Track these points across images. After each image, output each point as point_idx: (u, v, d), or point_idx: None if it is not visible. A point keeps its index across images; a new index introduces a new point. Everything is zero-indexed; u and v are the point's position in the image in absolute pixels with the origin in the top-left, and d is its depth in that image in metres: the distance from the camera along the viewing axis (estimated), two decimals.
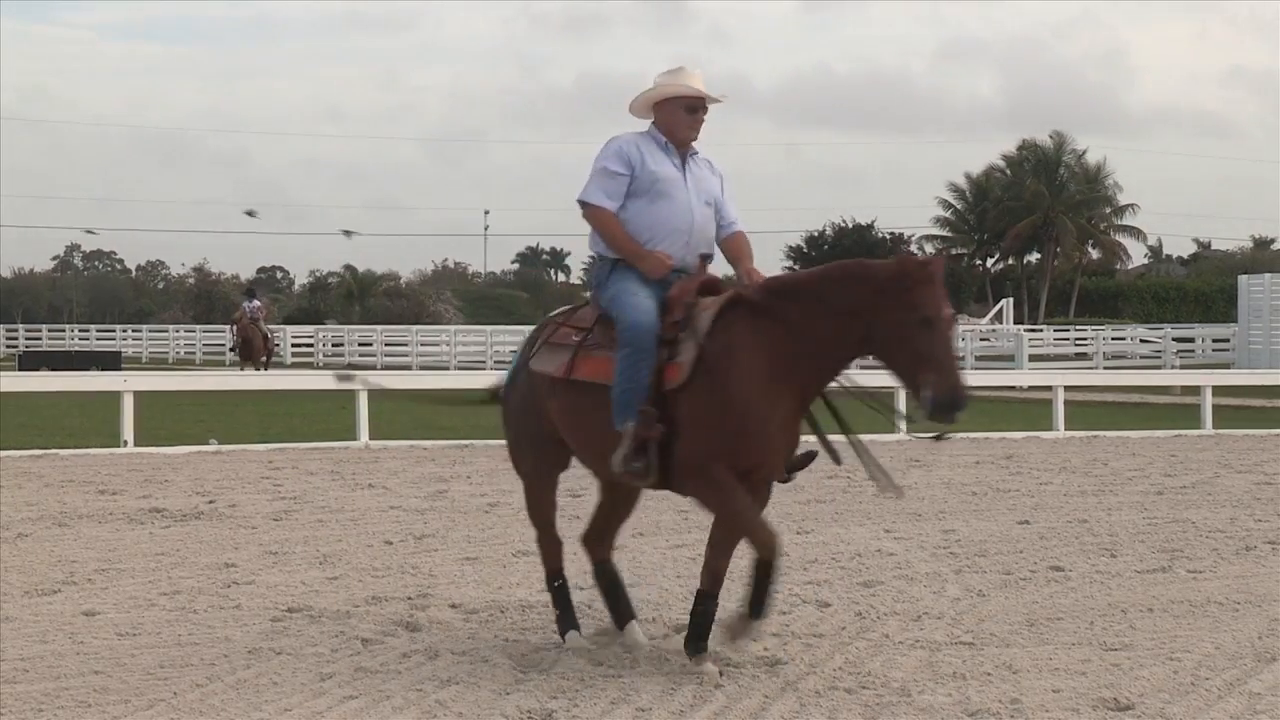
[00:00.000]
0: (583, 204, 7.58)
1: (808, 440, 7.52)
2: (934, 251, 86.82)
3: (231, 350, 42.33)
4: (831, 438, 7.54)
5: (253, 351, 37.73)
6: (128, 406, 19.33)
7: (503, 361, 50.99)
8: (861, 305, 7.03)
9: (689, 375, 7.18)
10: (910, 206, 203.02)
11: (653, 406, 7.19)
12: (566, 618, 7.91)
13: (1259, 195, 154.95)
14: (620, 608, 7.93)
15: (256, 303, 39.25)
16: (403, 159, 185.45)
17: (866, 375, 7.90)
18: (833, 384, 7.37)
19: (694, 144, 7.69)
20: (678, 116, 7.62)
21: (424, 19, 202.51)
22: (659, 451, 7.22)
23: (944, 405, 6.82)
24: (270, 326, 44.23)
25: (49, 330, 72.27)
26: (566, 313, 7.93)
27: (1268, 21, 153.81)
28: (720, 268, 7.82)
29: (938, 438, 7.21)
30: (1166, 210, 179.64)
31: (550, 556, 8.01)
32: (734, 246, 7.77)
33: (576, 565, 8.24)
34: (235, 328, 40.42)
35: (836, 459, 7.62)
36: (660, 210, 7.53)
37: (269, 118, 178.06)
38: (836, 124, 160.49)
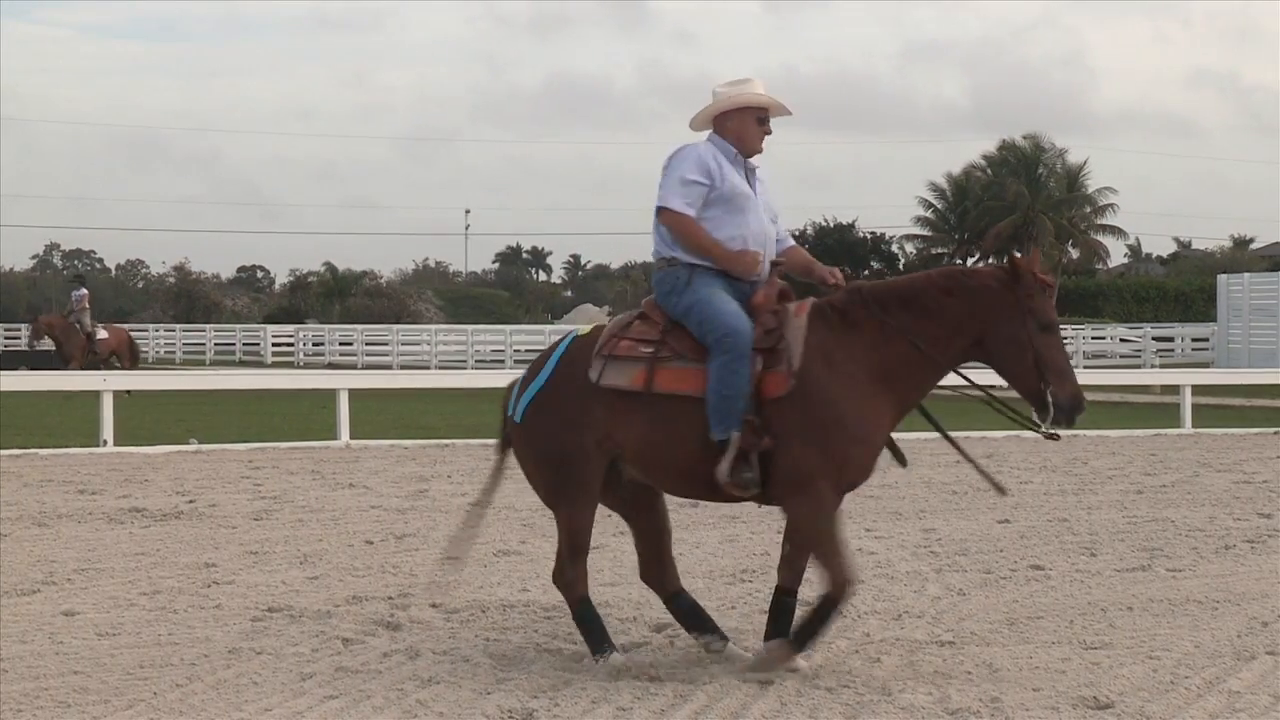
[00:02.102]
0: (661, 209, 7.39)
1: None
2: (914, 250, 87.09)
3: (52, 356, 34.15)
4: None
5: (72, 354, 32.31)
6: (107, 406, 19.28)
7: (484, 361, 51.08)
8: (976, 312, 7.12)
9: (793, 386, 7.09)
10: (882, 206, 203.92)
11: (754, 418, 7.06)
12: (602, 639, 7.43)
13: (1227, 195, 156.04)
14: (708, 632, 7.58)
15: (83, 291, 34.10)
16: (376, 158, 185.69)
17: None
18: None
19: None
20: (749, 127, 7.49)
21: (388, 19, 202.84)
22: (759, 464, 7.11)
23: (1068, 409, 7.04)
24: (130, 328, 37.74)
25: (28, 329, 71.98)
26: (618, 325, 7.50)
27: (1224, 24, 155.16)
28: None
29: (1052, 437, 7.36)
30: (1138, 210, 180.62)
31: (579, 583, 7.45)
32: (798, 256, 7.72)
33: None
34: (34, 326, 35.09)
35: (903, 461, 7.56)
36: (739, 223, 7.40)
37: (243, 117, 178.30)
38: (804, 124, 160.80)
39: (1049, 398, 7.03)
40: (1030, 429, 7.26)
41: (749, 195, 7.45)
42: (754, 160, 7.57)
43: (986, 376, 7.41)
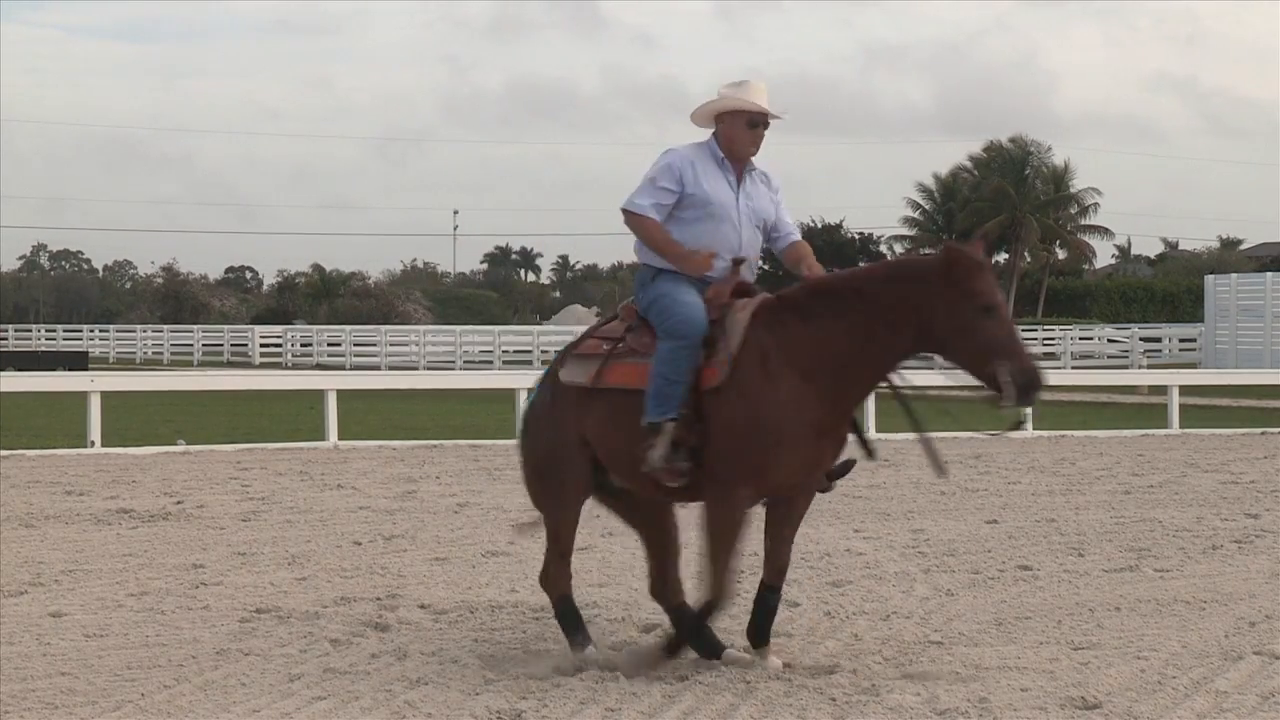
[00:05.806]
0: (625, 211, 7.42)
1: None
2: (903, 250, 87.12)
3: None
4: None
5: None
6: (95, 407, 19.24)
7: (472, 362, 51.10)
8: (914, 301, 6.96)
9: (725, 378, 7.05)
10: (855, 208, 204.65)
11: (690, 409, 7.05)
12: (578, 632, 7.54)
13: (1197, 196, 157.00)
14: (709, 646, 7.47)
15: None
16: (350, 159, 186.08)
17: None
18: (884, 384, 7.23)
19: (753, 159, 7.51)
20: (738, 131, 7.43)
21: (350, 22, 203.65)
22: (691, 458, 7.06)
23: (1025, 388, 6.80)
24: None
25: (15, 330, 71.87)
26: (595, 325, 7.84)
27: (1170, 30, 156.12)
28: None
29: (1014, 428, 7.30)
30: (1109, 210, 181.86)
31: (562, 581, 7.62)
32: (794, 253, 7.59)
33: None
34: None
35: (872, 454, 7.52)
36: (707, 232, 7.36)
37: (215, 119, 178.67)
38: (773, 127, 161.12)
39: (1002, 377, 6.81)
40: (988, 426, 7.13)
41: (726, 204, 7.41)
42: (755, 162, 7.54)
43: (965, 377, 7.35)
